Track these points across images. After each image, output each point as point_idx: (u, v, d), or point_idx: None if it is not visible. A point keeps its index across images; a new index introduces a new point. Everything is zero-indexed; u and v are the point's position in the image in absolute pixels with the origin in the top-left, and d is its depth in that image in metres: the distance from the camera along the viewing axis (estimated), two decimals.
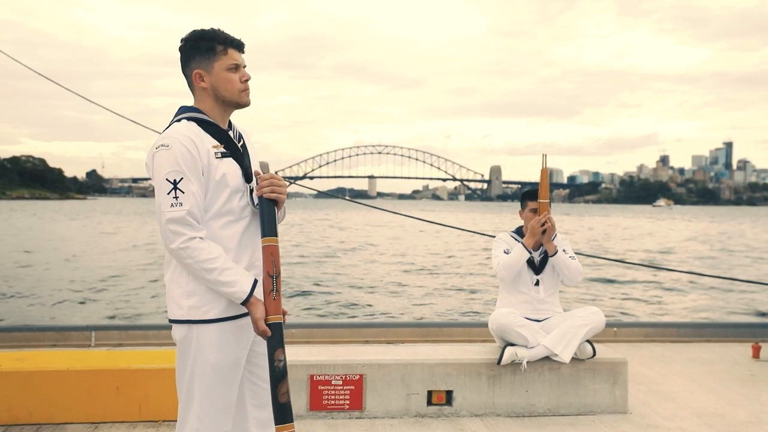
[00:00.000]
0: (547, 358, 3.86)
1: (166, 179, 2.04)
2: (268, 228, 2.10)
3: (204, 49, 2.15)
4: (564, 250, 4.00)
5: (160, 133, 2.15)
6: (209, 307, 2.10)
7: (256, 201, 2.17)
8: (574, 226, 51.00)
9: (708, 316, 12.36)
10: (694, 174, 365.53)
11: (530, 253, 3.97)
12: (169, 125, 2.16)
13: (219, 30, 2.19)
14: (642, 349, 5.33)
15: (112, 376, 3.61)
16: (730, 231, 52.16)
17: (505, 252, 4.03)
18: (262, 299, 2.08)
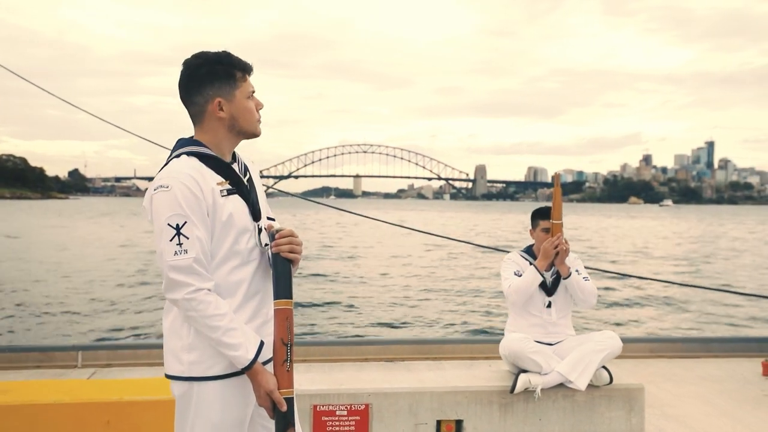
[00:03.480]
0: (561, 385, 3.68)
1: (168, 224, 1.83)
2: (284, 290, 1.91)
3: (222, 74, 1.94)
4: (577, 271, 3.83)
5: (159, 171, 1.93)
6: (212, 362, 1.90)
7: (264, 241, 1.99)
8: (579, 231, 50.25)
9: (714, 330, 12.21)
10: (676, 173, 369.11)
11: (542, 275, 3.80)
12: (167, 162, 1.94)
13: (232, 54, 2.00)
14: (649, 366, 5.18)
15: (102, 409, 3.38)
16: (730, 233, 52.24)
17: (516, 274, 3.86)
18: (270, 367, 1.91)
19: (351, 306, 13.96)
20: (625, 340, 5.72)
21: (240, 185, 1.97)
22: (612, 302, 15.05)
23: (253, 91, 2.00)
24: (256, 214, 2.00)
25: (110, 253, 25.48)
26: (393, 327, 11.79)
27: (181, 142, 1.99)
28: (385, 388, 3.69)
